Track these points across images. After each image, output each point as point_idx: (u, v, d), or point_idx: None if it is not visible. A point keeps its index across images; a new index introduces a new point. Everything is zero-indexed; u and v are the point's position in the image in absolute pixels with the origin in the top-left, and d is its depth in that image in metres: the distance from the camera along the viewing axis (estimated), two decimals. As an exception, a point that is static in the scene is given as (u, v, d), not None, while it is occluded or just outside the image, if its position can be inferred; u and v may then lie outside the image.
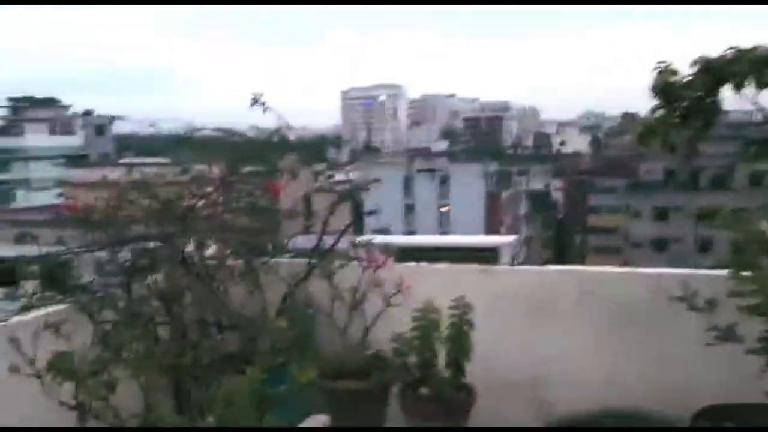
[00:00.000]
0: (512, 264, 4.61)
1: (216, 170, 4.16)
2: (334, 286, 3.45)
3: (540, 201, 65.02)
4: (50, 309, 3.03)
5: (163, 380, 2.48)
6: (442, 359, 3.31)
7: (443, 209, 49.71)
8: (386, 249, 3.24)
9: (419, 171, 50.88)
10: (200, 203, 3.99)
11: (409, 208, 48.67)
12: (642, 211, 54.92)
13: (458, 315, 3.19)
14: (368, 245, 3.33)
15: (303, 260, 4.25)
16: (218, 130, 4.37)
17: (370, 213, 4.18)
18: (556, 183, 69.79)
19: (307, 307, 4.08)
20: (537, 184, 67.70)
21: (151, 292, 3.44)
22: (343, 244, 4.12)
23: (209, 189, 3.81)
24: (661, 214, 54.54)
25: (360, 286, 3.46)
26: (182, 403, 3.56)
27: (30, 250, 3.84)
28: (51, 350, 2.24)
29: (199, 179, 4.05)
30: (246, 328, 4.07)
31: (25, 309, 3.32)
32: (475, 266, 4.08)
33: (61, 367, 2.02)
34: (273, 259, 4.34)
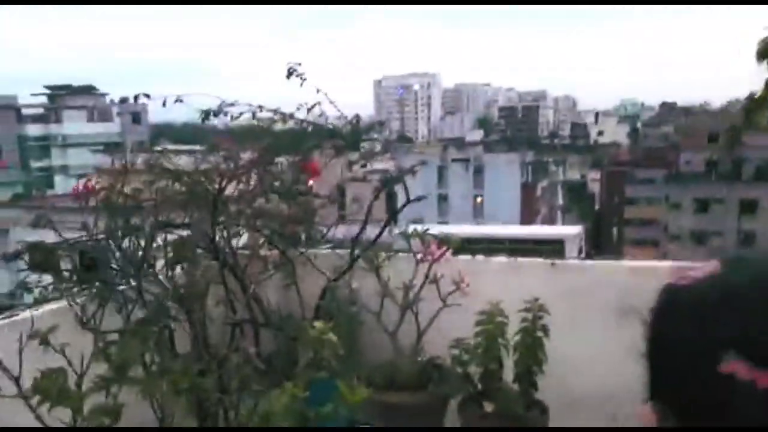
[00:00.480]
0: (579, 257, 4.08)
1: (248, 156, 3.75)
2: (382, 282, 2.98)
3: (576, 192, 63.96)
4: (45, 308, 2.59)
5: (183, 401, 2.04)
6: (509, 370, 2.83)
7: (477, 200, 48.98)
8: (445, 240, 2.75)
9: (453, 161, 50.12)
10: (230, 186, 3.55)
11: (443, 198, 48.01)
12: (681, 203, 53.67)
13: (530, 319, 2.70)
14: (422, 235, 2.85)
15: (344, 251, 3.81)
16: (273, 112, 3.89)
17: (418, 199, 3.72)
18: (593, 174, 68.56)
19: (350, 304, 3.63)
20: (574, 175, 66.56)
21: (168, 291, 2.97)
22: (385, 235, 3.69)
23: (240, 170, 3.36)
24: (702, 206, 53.24)
25: (412, 283, 2.98)
26: (207, 427, 3.17)
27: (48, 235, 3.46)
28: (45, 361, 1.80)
29: (230, 159, 3.60)
30: (282, 328, 3.64)
31: (38, 302, 2.93)
32: (542, 260, 3.59)
33: (49, 387, 1.57)
34: (310, 250, 3.90)
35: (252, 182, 3.46)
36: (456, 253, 3.61)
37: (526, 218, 49.35)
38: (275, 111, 3.69)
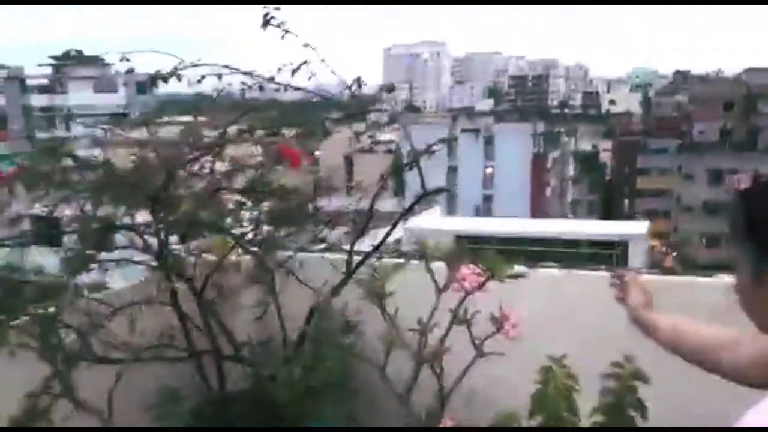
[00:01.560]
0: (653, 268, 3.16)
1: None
2: (388, 318, 2.06)
3: (587, 162, 62.78)
4: None
5: None
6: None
7: (487, 171, 47.87)
8: (488, 263, 1.81)
9: (463, 131, 48.86)
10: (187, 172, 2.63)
11: (452, 170, 46.94)
12: (695, 174, 52.66)
13: (618, 380, 1.76)
14: (450, 256, 1.91)
15: (340, 256, 2.91)
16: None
17: (439, 191, 2.93)
18: (605, 144, 67.19)
19: (345, 331, 2.74)
20: (585, 145, 65.26)
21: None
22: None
23: (195, 154, 2.45)
24: (716, 177, 52.25)
25: (432, 317, 2.07)
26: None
27: None
28: None
29: (193, 133, 2.68)
30: (253, 363, 2.76)
31: None
32: (602, 274, 2.67)
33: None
34: (300, 254, 3.00)
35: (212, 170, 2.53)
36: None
37: (537, 190, 48.29)
38: (249, 74, 2.74)
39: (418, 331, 1.98)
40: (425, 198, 2.66)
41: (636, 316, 1.81)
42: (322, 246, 3.12)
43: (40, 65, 58.62)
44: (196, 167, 2.53)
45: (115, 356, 2.44)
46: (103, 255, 2.67)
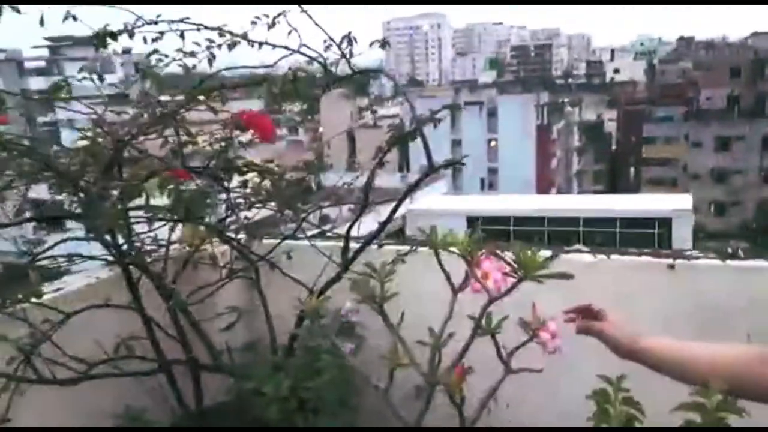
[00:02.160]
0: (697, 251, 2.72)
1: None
2: (390, 327, 1.61)
3: (592, 133, 62.12)
4: None
5: None
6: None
7: (491, 144, 47.20)
8: (521, 259, 1.35)
9: (466, 104, 48.09)
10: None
11: (456, 143, 46.32)
12: (701, 141, 52.11)
13: (703, 414, 1.32)
14: (467, 245, 1.45)
15: (335, 244, 2.48)
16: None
17: (452, 164, 2.56)
18: (610, 113, 66.43)
19: (342, 335, 2.30)
20: (589, 115, 64.49)
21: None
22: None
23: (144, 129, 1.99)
24: (723, 144, 51.71)
25: (447, 320, 1.62)
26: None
27: None
28: None
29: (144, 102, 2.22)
30: (234, 372, 2.33)
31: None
32: (649, 260, 2.23)
33: None
34: (289, 242, 2.56)
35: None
36: (499, 237, 2.26)
37: (542, 161, 47.70)
38: (218, 29, 2.26)
39: (429, 345, 1.55)
40: (433, 173, 2.21)
41: (631, 349, 1.49)
42: (314, 232, 2.68)
43: (36, 47, 58.00)
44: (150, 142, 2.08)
45: (63, 375, 2.02)
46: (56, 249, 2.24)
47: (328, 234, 2.73)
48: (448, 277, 1.59)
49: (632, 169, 57.65)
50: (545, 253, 1.58)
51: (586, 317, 1.56)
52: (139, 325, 2.22)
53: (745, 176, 50.05)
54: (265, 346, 2.46)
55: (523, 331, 1.58)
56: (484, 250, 1.53)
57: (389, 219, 2.32)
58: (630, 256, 2.28)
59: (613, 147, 63.60)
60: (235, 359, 2.40)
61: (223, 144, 2.00)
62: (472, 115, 47.07)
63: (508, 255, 1.50)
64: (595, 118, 66.30)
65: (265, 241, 2.70)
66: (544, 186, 46.43)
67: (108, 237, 2.16)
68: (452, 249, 1.44)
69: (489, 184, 46.19)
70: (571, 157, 57.66)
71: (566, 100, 59.16)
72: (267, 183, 2.36)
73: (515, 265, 1.38)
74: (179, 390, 2.30)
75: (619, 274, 2.26)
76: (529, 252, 1.36)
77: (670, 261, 2.20)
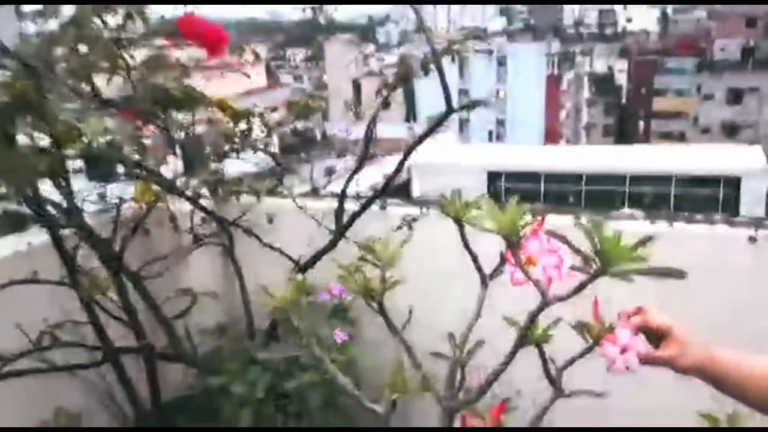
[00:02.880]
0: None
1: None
2: (398, 333, 1.14)
3: (603, 84, 60.90)
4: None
5: None
6: None
7: (499, 94, 46.18)
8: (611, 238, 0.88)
9: (474, 52, 46.77)
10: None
11: (464, 93, 45.35)
12: (713, 94, 51.22)
13: None
14: (518, 218, 0.96)
15: (327, 205, 2.02)
16: None
17: (473, 106, 2.19)
18: (621, 64, 64.97)
19: (334, 324, 1.84)
20: (600, 66, 63.06)
21: None
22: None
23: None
24: (735, 97, 50.82)
25: (475, 321, 1.15)
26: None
27: None
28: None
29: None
30: (198, 364, 1.88)
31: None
32: (725, 229, 1.75)
33: None
34: (270, 200, 2.08)
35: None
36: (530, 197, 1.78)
37: (551, 113, 46.71)
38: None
39: (449, 360, 1.08)
40: (452, 114, 1.72)
41: (698, 367, 1.14)
42: (303, 190, 2.20)
43: (33, -11, 56.71)
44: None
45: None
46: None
47: (323, 193, 2.25)
48: (475, 260, 1.12)
49: (641, 123, 56.76)
50: (625, 226, 1.10)
51: (651, 335, 1.13)
52: (77, 305, 1.77)
53: (756, 129, 49.22)
54: (242, 330, 2.02)
55: (581, 337, 1.11)
56: (529, 224, 1.04)
57: (396, 173, 1.84)
58: (698, 224, 1.79)
59: (623, 99, 62.40)
60: (202, 346, 1.95)
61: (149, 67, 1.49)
62: (480, 64, 46.00)
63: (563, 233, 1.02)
64: (606, 69, 64.87)
65: (245, 200, 2.23)
66: (552, 139, 45.60)
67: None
68: (488, 227, 0.96)
69: (497, 135, 45.36)
70: (580, 110, 56.64)
71: (577, 49, 57.75)
72: (241, 126, 1.88)
73: (586, 251, 0.90)
74: (131, 385, 1.86)
75: (683, 248, 1.77)
76: (610, 231, 0.87)
77: (750, 232, 1.71)
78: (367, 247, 1.12)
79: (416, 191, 9.60)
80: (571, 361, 1.10)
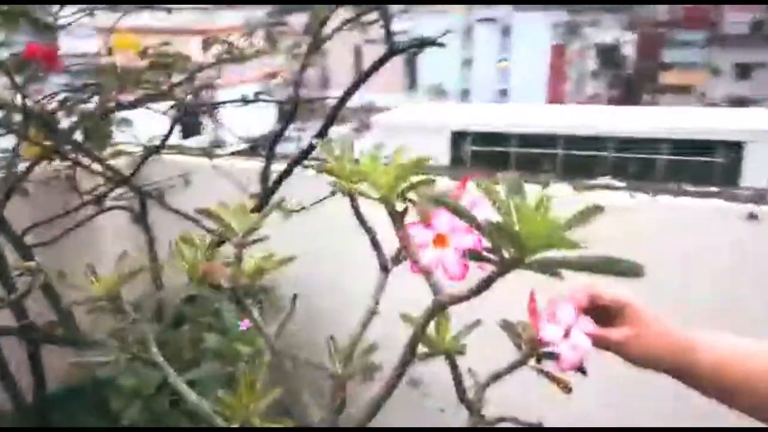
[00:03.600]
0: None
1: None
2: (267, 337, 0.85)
3: (609, 56, 60.10)
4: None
5: None
6: None
7: (502, 65, 45.45)
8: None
9: (479, 21, 46.01)
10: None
11: (467, 63, 44.68)
12: (721, 68, 50.62)
13: None
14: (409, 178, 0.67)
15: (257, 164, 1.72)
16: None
17: (422, 44, 1.93)
18: (628, 36, 64.09)
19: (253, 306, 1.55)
20: (606, 37, 62.17)
21: None
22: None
23: None
24: (743, 71, 50.23)
25: (369, 317, 0.86)
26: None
27: None
28: None
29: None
30: (78, 341, 1.59)
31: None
32: (718, 203, 1.44)
33: None
34: (189, 160, 1.78)
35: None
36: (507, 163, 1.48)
37: (555, 84, 46.08)
38: None
39: (329, 374, 0.79)
40: (394, 55, 1.41)
41: (681, 362, 0.84)
42: (229, 150, 1.89)
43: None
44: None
45: None
46: None
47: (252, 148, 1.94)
48: (372, 239, 0.82)
49: (647, 96, 56.21)
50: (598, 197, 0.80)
51: (602, 314, 0.84)
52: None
53: (765, 105, 48.70)
54: (148, 310, 1.73)
55: (511, 340, 0.81)
56: (444, 193, 0.73)
57: (320, 135, 1.53)
58: (687, 197, 1.48)
59: (629, 72, 61.64)
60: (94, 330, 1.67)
61: None
62: (484, 33, 45.27)
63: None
64: (613, 41, 63.97)
65: (167, 157, 1.93)
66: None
67: None
68: (361, 188, 0.66)
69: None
70: (585, 81, 55.96)
71: (584, 19, 56.84)
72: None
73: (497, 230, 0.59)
74: (9, 373, 1.58)
75: (669, 223, 1.46)
76: (541, 197, 0.57)
77: (750, 207, 1.41)
78: (208, 212, 0.82)
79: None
80: (496, 377, 0.81)
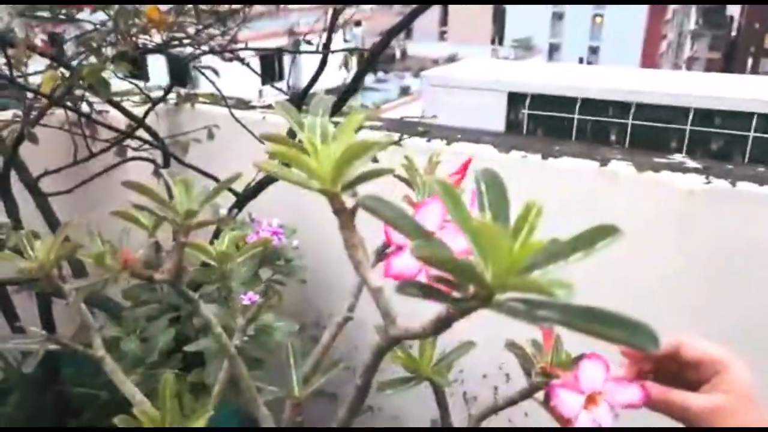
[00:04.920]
0: None
1: None
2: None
3: (712, 15, 56.55)
4: None
5: None
6: None
7: (597, 21, 43.42)
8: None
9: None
10: None
11: (557, 17, 42.91)
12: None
13: None
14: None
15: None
16: None
17: None
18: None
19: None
20: (712, -5, 58.46)
21: None
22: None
23: None
24: None
25: (337, 329, 0.71)
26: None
27: None
28: None
29: None
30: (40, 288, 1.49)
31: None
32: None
33: None
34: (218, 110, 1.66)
35: None
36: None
37: (650, 44, 43.79)
38: None
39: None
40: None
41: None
42: (259, 102, 1.74)
43: None
44: None
45: None
46: None
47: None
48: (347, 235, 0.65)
49: (750, 60, 52.76)
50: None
51: (683, 373, 0.65)
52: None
53: None
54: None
55: (522, 370, 0.65)
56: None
57: (363, 72, 1.35)
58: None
59: (733, 33, 57.92)
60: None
61: None
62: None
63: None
64: (718, -1, 60.10)
65: (207, 108, 1.81)
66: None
67: None
68: (295, 174, 0.49)
69: (588, 63, 42.99)
70: (684, 41, 52.97)
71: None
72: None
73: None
74: (19, 326, 1.53)
75: (749, 224, 1.24)
76: (531, 206, 0.40)
77: None
78: (139, 187, 0.67)
79: (425, 107, 8.29)
80: (494, 410, 0.64)
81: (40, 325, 1.54)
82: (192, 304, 0.74)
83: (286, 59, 1.79)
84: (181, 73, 1.56)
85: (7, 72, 1.35)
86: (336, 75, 1.58)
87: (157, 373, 1.31)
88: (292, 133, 0.78)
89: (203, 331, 1.42)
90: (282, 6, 2.00)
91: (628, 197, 1.37)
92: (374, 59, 1.45)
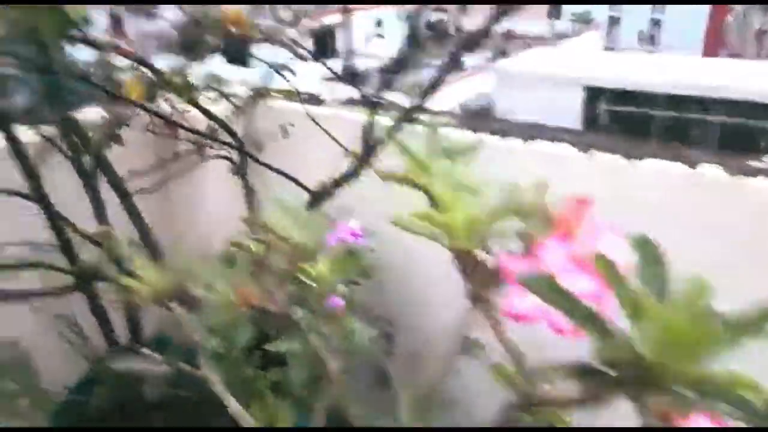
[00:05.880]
0: None
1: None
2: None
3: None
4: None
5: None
6: None
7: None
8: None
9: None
10: None
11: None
12: None
13: None
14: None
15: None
16: None
17: None
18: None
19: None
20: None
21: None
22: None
23: None
24: None
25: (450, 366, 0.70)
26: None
27: None
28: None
29: None
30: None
31: None
32: None
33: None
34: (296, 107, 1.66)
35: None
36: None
37: (716, 14, 42.07)
38: None
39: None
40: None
41: None
42: (339, 99, 1.73)
43: None
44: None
45: None
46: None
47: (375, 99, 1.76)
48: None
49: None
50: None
51: None
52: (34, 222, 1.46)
53: None
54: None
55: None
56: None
57: (457, 55, 1.32)
58: None
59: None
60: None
61: None
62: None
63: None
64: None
65: (279, 103, 1.81)
66: (711, 46, 41.14)
67: None
68: (421, 225, 0.47)
69: (650, 37, 41.53)
70: (753, 11, 50.64)
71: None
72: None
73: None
74: (107, 317, 1.57)
75: None
76: (699, 282, 0.38)
77: None
78: (255, 222, 0.66)
79: (497, 100, 7.90)
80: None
81: (99, 329, 1.58)
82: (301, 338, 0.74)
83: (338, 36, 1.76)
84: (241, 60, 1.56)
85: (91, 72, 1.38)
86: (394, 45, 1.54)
87: (238, 371, 1.34)
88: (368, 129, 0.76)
89: (283, 330, 1.44)
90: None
91: (719, 204, 1.32)
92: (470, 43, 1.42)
